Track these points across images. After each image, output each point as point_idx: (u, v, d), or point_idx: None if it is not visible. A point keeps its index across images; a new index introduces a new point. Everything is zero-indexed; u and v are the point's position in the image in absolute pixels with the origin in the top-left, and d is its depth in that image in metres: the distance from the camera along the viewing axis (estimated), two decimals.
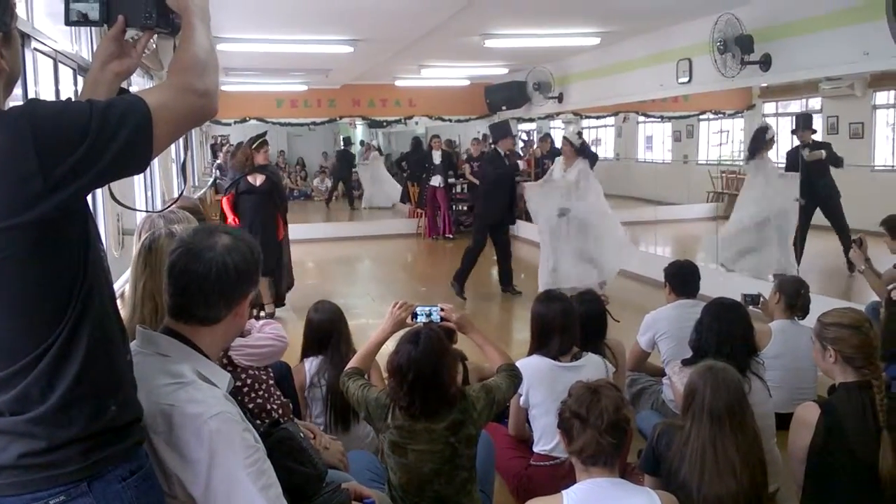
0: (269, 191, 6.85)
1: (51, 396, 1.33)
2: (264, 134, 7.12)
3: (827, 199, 7.62)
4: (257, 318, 2.91)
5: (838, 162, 7.67)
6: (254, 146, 6.85)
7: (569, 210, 7.27)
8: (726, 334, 3.35)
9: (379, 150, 17.57)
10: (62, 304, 1.34)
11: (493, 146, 8.29)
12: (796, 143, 8.07)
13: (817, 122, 10.33)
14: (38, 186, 1.26)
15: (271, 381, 2.84)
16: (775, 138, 7.86)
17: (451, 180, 12.49)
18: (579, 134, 8.04)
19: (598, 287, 7.12)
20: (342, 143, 17.35)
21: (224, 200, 7.00)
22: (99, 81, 1.62)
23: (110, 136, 1.31)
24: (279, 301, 7.08)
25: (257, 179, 6.80)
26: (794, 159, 8.00)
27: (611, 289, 7.17)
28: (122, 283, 2.11)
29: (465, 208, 12.41)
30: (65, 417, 1.34)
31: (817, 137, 8.37)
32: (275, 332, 2.84)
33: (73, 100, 1.54)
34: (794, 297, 4.17)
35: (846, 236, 7.36)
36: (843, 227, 7.58)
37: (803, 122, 8.08)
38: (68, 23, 1.59)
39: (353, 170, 17.43)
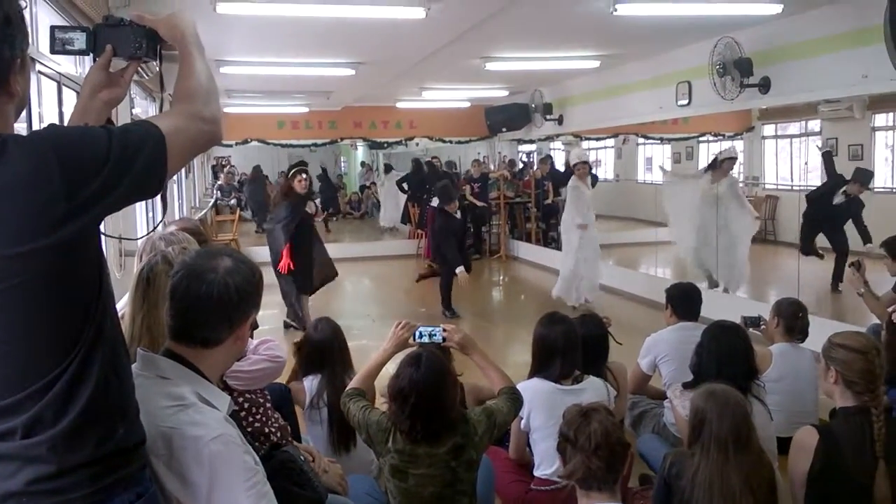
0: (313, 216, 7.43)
1: (64, 419, 1.33)
2: (301, 163, 7.50)
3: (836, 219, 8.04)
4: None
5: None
6: (289, 175, 7.26)
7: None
8: (726, 357, 3.33)
9: (388, 168, 16.74)
10: (78, 326, 1.34)
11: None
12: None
13: (817, 145, 10.41)
14: (62, 210, 1.27)
15: (269, 404, 2.81)
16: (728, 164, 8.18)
17: None
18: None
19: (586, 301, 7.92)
20: (320, 169, 17.06)
21: (285, 251, 7.11)
22: (88, 110, 1.63)
23: (129, 160, 1.34)
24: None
25: (311, 207, 7.31)
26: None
27: (611, 310, 7.17)
28: (123, 306, 2.10)
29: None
30: (76, 441, 1.34)
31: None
32: (269, 353, 2.80)
33: (89, 125, 1.55)
34: (792, 319, 4.16)
35: (844, 258, 7.71)
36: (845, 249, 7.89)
37: (863, 178, 8.26)
38: (53, 51, 1.61)
39: (337, 194, 17.58)
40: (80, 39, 1.59)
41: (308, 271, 7.23)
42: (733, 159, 8.19)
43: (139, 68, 1.73)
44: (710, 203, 8.04)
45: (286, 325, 7.40)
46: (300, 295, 7.31)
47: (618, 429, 2.29)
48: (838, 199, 7.99)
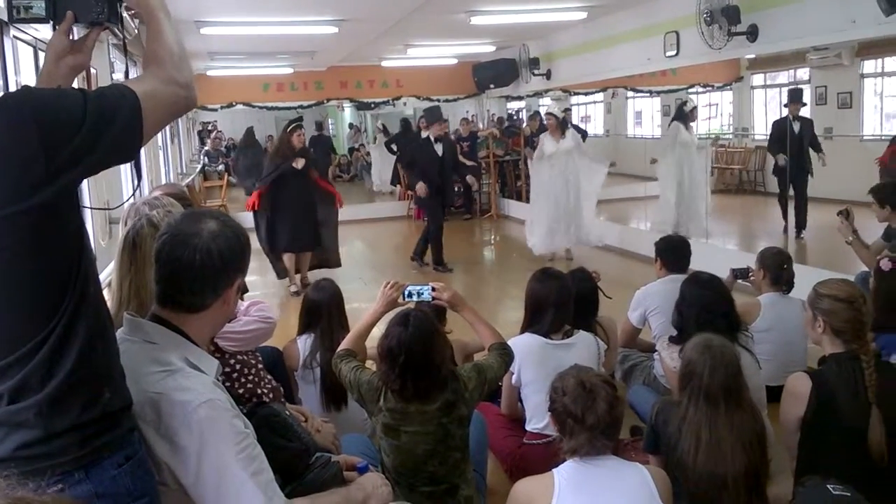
0: (308, 173, 7.31)
1: (49, 384, 1.33)
2: (299, 118, 7.71)
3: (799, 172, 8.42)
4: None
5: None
6: (288, 130, 7.36)
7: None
8: (705, 310, 3.33)
9: (385, 130, 15.87)
10: (61, 291, 1.34)
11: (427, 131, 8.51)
12: (785, 113, 8.46)
13: (806, 94, 10.41)
14: (41, 172, 1.27)
15: (260, 366, 2.82)
16: (696, 112, 8.82)
17: None
18: (565, 111, 8.56)
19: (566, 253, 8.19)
20: (315, 129, 16.38)
21: (255, 194, 7.36)
22: (54, 76, 1.61)
23: (106, 122, 1.34)
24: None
25: (299, 163, 7.17)
26: (781, 129, 8.27)
27: (600, 264, 7.19)
28: (109, 274, 2.09)
29: (456, 189, 12.38)
30: (62, 405, 1.35)
31: (806, 110, 8.61)
32: (260, 315, 2.80)
33: (63, 88, 1.54)
34: (777, 270, 4.17)
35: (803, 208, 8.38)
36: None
37: (792, 96, 8.76)
38: (11, 20, 1.57)
39: (335, 155, 17.21)
40: (38, 6, 1.55)
41: (285, 228, 7.29)
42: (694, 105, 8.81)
43: (114, 31, 1.69)
44: (690, 153, 8.39)
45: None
46: (274, 249, 7.43)
47: (620, 403, 2.29)
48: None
